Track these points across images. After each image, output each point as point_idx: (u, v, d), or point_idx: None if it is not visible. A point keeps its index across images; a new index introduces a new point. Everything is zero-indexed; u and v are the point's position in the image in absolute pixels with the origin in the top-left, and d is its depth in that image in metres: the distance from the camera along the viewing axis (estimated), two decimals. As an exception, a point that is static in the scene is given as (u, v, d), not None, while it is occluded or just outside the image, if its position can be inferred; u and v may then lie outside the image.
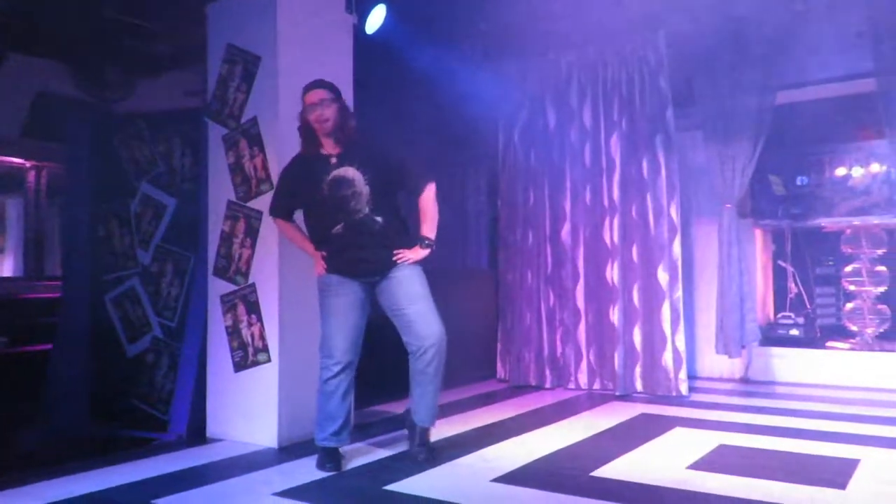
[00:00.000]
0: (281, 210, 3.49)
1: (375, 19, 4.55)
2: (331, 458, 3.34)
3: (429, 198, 3.42)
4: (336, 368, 3.33)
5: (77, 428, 4.46)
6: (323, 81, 3.34)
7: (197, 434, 4.03)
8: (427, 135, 6.09)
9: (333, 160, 3.28)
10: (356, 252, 3.28)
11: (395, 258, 3.32)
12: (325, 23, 4.14)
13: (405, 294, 3.31)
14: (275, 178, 3.80)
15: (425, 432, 3.49)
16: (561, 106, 5.58)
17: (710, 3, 4.86)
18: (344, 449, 3.51)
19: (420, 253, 3.36)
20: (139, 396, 4.44)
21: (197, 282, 4.28)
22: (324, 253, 3.35)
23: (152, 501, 2.92)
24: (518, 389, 5.48)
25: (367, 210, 3.25)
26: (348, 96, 4.24)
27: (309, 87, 3.31)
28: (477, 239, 7.04)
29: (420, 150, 6.06)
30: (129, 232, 4.60)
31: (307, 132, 3.32)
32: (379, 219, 3.27)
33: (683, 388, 5.08)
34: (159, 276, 4.48)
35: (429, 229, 3.40)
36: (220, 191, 4.05)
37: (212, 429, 4.02)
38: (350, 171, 3.24)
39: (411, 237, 3.42)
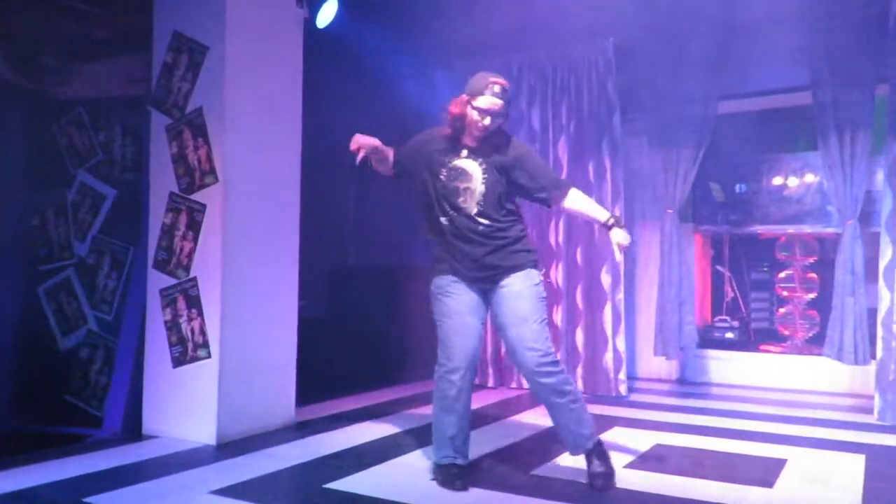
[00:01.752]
0: (400, 152, 3.21)
1: (327, 14, 4.51)
2: (453, 475, 3.04)
3: (576, 198, 3.18)
4: (455, 376, 3.04)
5: (-2, 423, 4.30)
6: (505, 90, 3.06)
7: (132, 431, 3.93)
8: (377, 130, 6.05)
9: (465, 151, 3.09)
10: (463, 249, 3.06)
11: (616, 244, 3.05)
12: (276, 15, 4.09)
13: (514, 312, 3.02)
14: (220, 171, 3.75)
15: (588, 457, 3.10)
16: (510, 107, 5.61)
17: (658, 13, 4.97)
18: (298, 448, 3.45)
19: (619, 234, 3.05)
20: (72, 392, 4.30)
21: (135, 275, 4.17)
22: (435, 253, 3.17)
23: (84, 500, 2.84)
24: (461, 388, 5.50)
25: (473, 210, 3.04)
26: (297, 90, 4.21)
27: (494, 91, 3.01)
28: (424, 237, 7.05)
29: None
30: (65, 222, 4.46)
31: (459, 121, 3.07)
32: (487, 221, 3.04)
33: (623, 389, 5.19)
34: (96, 268, 4.35)
35: (601, 211, 3.15)
36: (162, 182, 3.95)
37: (148, 425, 3.92)
38: (472, 166, 3.06)
39: (526, 244, 3.14)
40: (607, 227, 3.11)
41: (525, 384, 5.48)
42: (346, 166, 6.31)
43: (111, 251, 4.33)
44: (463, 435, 3.12)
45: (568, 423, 3.06)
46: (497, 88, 3.01)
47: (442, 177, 3.09)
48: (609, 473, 3.05)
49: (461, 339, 3.05)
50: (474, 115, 3.01)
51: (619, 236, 3.06)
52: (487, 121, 3.01)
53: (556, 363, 3.03)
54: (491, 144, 3.09)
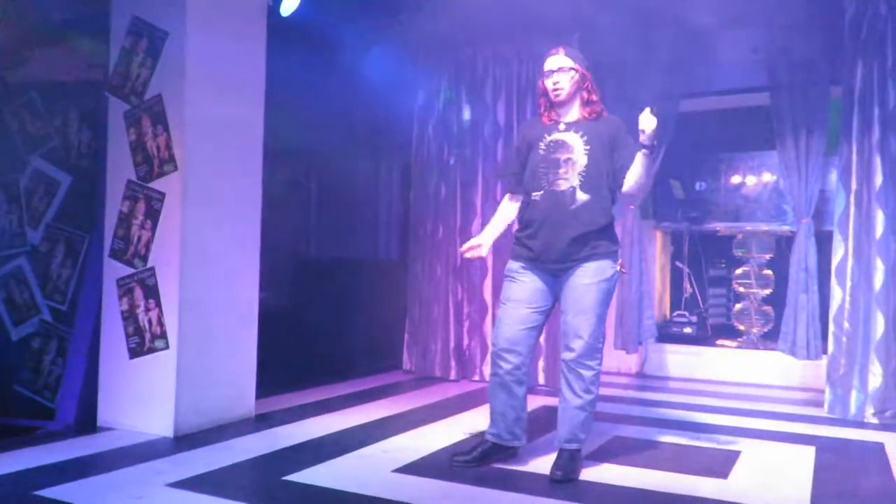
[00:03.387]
0: (507, 170, 3.26)
1: (291, 2, 4.45)
2: (479, 448, 3.20)
3: (630, 179, 3.07)
4: (502, 360, 3.11)
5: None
6: (566, 48, 3.14)
7: (87, 423, 3.85)
8: (341, 123, 6.02)
9: (563, 126, 3.10)
10: (545, 233, 3.05)
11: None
12: (238, 2, 4.02)
13: (575, 301, 3.06)
14: (180, 159, 3.69)
15: (560, 454, 3.14)
16: (476, 101, 5.63)
17: (621, 11, 5.01)
18: (257, 441, 3.43)
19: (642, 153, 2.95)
20: (23, 382, 4.19)
21: (91, 264, 4.08)
22: (518, 235, 3.18)
23: (35, 493, 2.77)
24: (423, 381, 5.51)
25: (575, 182, 3.01)
26: (259, 79, 4.15)
27: (549, 52, 3.13)
28: (387, 230, 7.03)
29: (333, 137, 6.00)
30: (17, 208, 4.34)
31: (544, 98, 3.15)
32: (585, 196, 3.00)
33: (583, 382, 5.24)
34: (49, 256, 4.25)
35: (640, 156, 3.00)
36: (120, 169, 3.87)
37: (103, 417, 3.85)
38: (572, 137, 3.05)
39: (611, 233, 3.14)
40: (646, 147, 2.98)
41: (487, 376, 5.51)
42: (308, 157, 6.28)
43: (66, 239, 4.23)
44: (511, 416, 3.19)
45: (573, 418, 3.12)
46: (557, 49, 3.13)
47: (541, 150, 3.09)
48: (574, 479, 3.08)
49: (510, 327, 3.12)
50: (546, 81, 3.10)
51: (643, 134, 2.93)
52: (554, 80, 3.06)
53: (598, 360, 3.10)
54: (591, 120, 3.11)
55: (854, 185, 4.49)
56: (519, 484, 3.03)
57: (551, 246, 3.06)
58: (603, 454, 3.53)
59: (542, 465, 3.28)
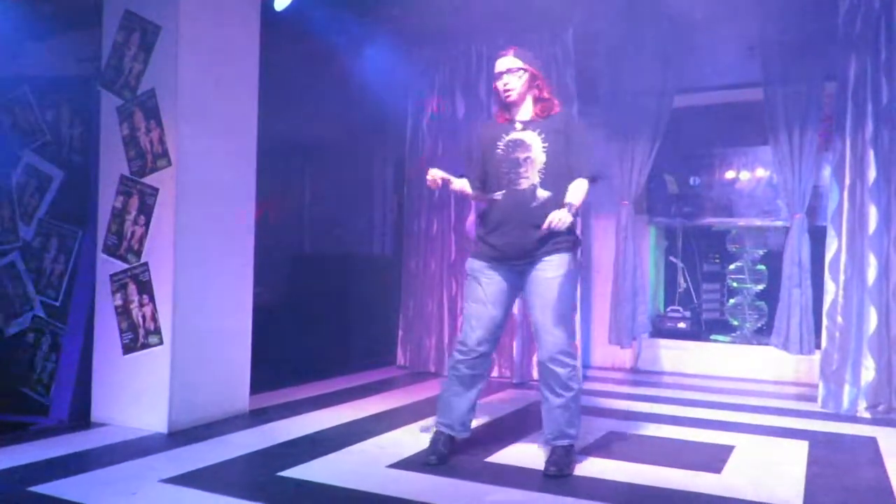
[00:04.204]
0: (470, 173, 3.27)
1: (285, -4, 4.43)
2: (441, 443, 3.23)
3: (581, 184, 3.08)
4: (466, 357, 3.17)
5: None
6: (516, 49, 3.20)
7: (80, 419, 3.84)
8: (335, 117, 6.00)
9: (519, 126, 3.16)
10: (507, 231, 3.09)
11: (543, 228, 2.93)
12: (232, -4, 4.01)
13: (541, 297, 3.08)
14: (173, 154, 3.67)
15: (554, 450, 3.15)
16: (470, 96, 5.62)
17: (616, 6, 5.01)
18: (252, 436, 3.42)
19: (564, 214, 2.90)
20: (16, 378, 4.18)
21: (84, 259, 4.06)
22: (479, 235, 3.21)
23: (29, 489, 2.77)
24: (417, 376, 5.51)
25: (536, 180, 3.06)
26: (253, 74, 4.14)
27: (499, 54, 3.21)
28: (382, 225, 7.03)
29: (327, 132, 5.99)
30: (9, 204, 4.31)
31: (497, 99, 3.24)
32: (546, 194, 3.05)
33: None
34: (42, 251, 4.23)
35: (574, 198, 3.01)
36: (113, 164, 3.85)
37: (97, 413, 3.84)
38: (530, 136, 3.11)
39: (564, 236, 3.10)
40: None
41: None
42: (302, 152, 6.26)
43: (58, 235, 4.21)
44: (460, 411, 3.24)
45: (558, 417, 3.13)
46: (505, 53, 3.20)
47: (499, 151, 3.13)
48: (567, 474, 3.08)
49: (479, 327, 3.16)
50: (497, 83, 3.17)
51: (558, 214, 2.91)
52: (505, 81, 3.13)
53: (571, 355, 3.12)
54: (546, 117, 3.16)
55: (847, 181, 4.51)
56: (514, 479, 3.04)
57: (514, 244, 3.10)
58: (597, 449, 3.54)
59: (537, 460, 3.28)
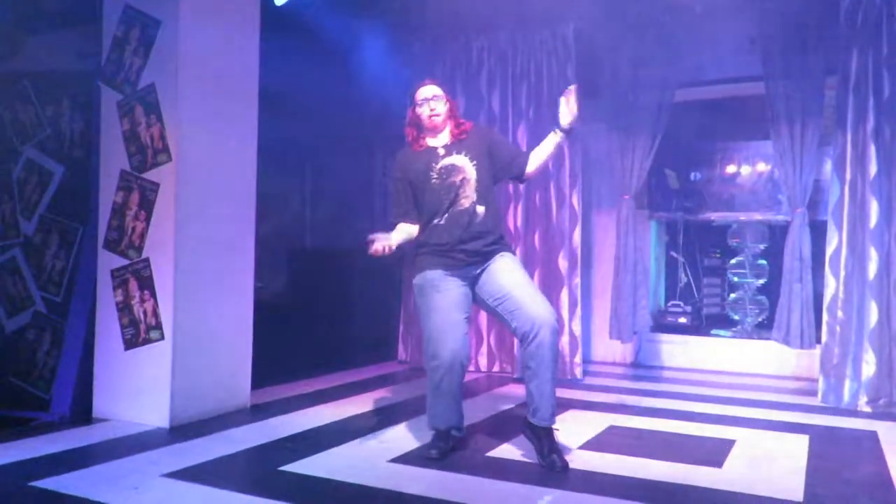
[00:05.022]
0: (402, 213, 3.32)
1: (285, -9, 4.42)
2: (442, 440, 3.25)
3: (533, 154, 3.34)
4: (443, 369, 3.12)
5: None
6: (432, 80, 3.39)
7: (82, 414, 3.85)
8: (336, 112, 5.99)
9: (442, 151, 3.27)
10: (457, 246, 3.17)
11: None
12: (232, -10, 4.00)
13: (508, 280, 3.15)
14: (174, 149, 3.67)
15: (550, 434, 3.14)
16: (471, 91, 5.61)
17: (616, 1, 5.00)
18: (253, 431, 3.43)
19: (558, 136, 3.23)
20: (18, 374, 4.19)
21: (85, 255, 4.07)
22: (428, 257, 3.22)
23: (29, 484, 2.77)
24: (418, 371, 5.51)
25: (474, 197, 3.19)
26: (253, 68, 4.13)
27: (420, 85, 3.35)
28: (383, 220, 7.01)
29: (328, 127, 5.97)
30: (10, 199, 4.31)
31: (414, 126, 3.34)
32: (481, 209, 3.20)
33: (578, 372, 5.26)
34: (43, 247, 4.23)
35: (550, 139, 3.29)
36: (113, 160, 3.85)
37: (98, 408, 3.85)
38: (459, 159, 3.23)
39: (506, 239, 3.39)
40: (563, 131, 3.26)
41: (482, 366, 5.53)
42: (303, 147, 6.25)
43: (59, 230, 4.21)
44: (454, 416, 3.27)
45: (545, 390, 3.08)
46: (426, 83, 3.34)
47: (434, 181, 3.22)
48: (565, 465, 3.08)
49: (447, 336, 3.12)
50: (421, 109, 3.27)
51: (566, 118, 3.19)
52: (431, 106, 3.25)
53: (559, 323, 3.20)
54: (462, 137, 3.29)
55: (848, 175, 4.50)
56: (514, 473, 3.04)
57: (466, 253, 3.19)
58: (598, 443, 3.54)
59: (536, 455, 3.28)
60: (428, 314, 3.18)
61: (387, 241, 3.12)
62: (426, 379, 3.29)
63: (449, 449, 3.27)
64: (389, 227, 3.30)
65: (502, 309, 3.15)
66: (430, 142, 3.32)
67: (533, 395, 3.10)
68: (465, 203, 3.19)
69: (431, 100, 3.27)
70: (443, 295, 3.16)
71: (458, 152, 3.24)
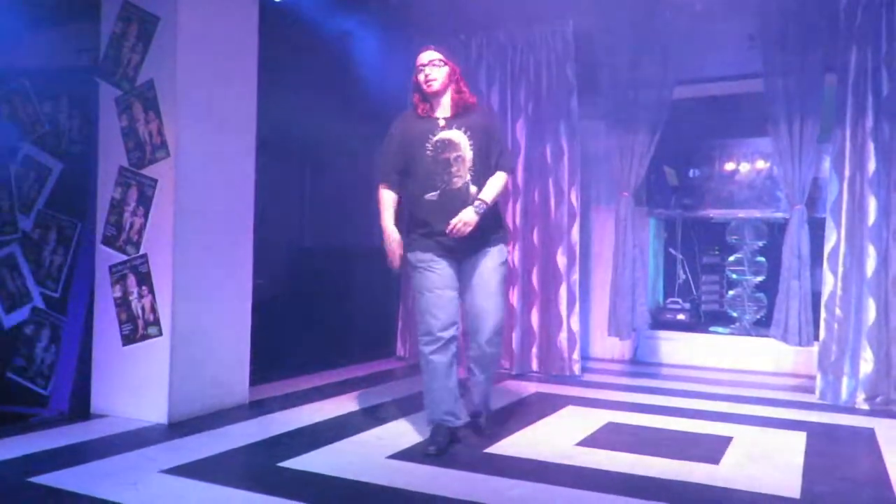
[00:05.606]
0: (389, 170, 3.35)
1: (283, -13, 4.42)
2: (440, 434, 3.28)
3: (500, 178, 3.32)
4: (436, 345, 3.24)
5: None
6: (436, 46, 3.36)
7: (80, 410, 3.85)
8: (335, 108, 5.98)
9: (442, 122, 3.27)
10: (446, 226, 3.19)
11: (449, 228, 3.17)
12: (230, -14, 3.99)
13: (483, 286, 3.32)
14: (172, 145, 3.66)
15: (486, 417, 3.61)
16: (470, 87, 5.58)
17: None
18: (251, 427, 3.45)
19: (470, 215, 3.17)
20: (16, 370, 4.18)
21: (83, 251, 4.06)
22: (417, 229, 3.30)
23: (28, 480, 2.78)
24: (417, 367, 5.47)
25: (467, 177, 3.21)
26: (252, 65, 4.13)
27: (421, 50, 3.35)
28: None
29: (327, 123, 5.97)
30: (8, 195, 4.31)
31: (418, 92, 3.32)
32: (474, 189, 3.22)
33: (577, 369, 5.27)
34: (41, 243, 4.22)
35: (487, 195, 3.24)
36: (112, 156, 3.85)
37: (97, 404, 3.85)
38: (457, 135, 3.23)
39: (502, 220, 3.48)
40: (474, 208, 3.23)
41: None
42: (301, 143, 6.24)
43: (57, 226, 4.21)
44: (452, 398, 3.34)
45: (487, 389, 3.56)
46: (426, 48, 3.34)
47: (428, 153, 3.23)
48: (488, 429, 3.57)
49: (441, 313, 3.24)
50: (419, 75, 3.28)
51: (465, 214, 3.18)
52: (430, 73, 3.25)
53: (501, 336, 3.50)
54: (465, 113, 3.29)
55: (847, 172, 4.50)
56: (513, 470, 3.05)
57: (458, 240, 3.23)
58: (596, 440, 3.55)
59: (537, 451, 3.30)
60: (422, 291, 3.29)
61: (398, 250, 3.33)
62: (423, 377, 3.35)
63: (447, 444, 3.28)
64: (374, 190, 3.40)
65: (465, 306, 3.40)
66: (435, 111, 3.31)
67: (468, 388, 3.55)
68: (458, 182, 3.22)
69: (427, 65, 3.27)
70: (436, 274, 3.27)
71: (459, 128, 3.25)
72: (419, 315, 3.31)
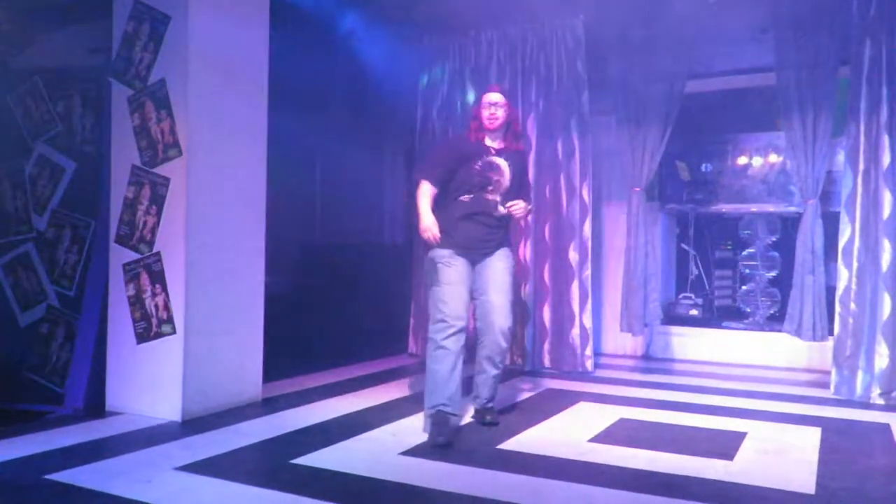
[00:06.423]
0: (435, 171, 3.61)
1: (294, -15, 4.42)
2: (444, 423, 3.38)
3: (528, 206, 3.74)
4: (449, 331, 3.45)
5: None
6: (500, 88, 3.86)
7: (95, 408, 3.87)
8: (345, 106, 6.00)
9: (493, 150, 3.65)
10: (472, 227, 3.55)
11: (508, 207, 3.56)
12: (240, -16, 4.00)
13: (495, 283, 3.60)
14: (184, 144, 3.68)
15: (490, 410, 3.73)
16: (480, 83, 5.58)
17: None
18: (264, 424, 3.47)
19: (523, 207, 3.62)
20: (32, 368, 4.22)
21: (97, 249, 4.09)
22: (440, 227, 3.51)
23: (45, 477, 2.80)
24: (429, 364, 5.52)
25: (498, 198, 3.59)
26: (263, 62, 4.13)
27: (490, 89, 3.79)
28: (392, 214, 7.02)
29: (338, 121, 5.98)
30: (22, 195, 4.34)
31: (477, 121, 3.69)
32: (502, 210, 3.59)
33: (589, 365, 5.26)
34: (56, 242, 4.26)
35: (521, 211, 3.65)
36: (124, 155, 3.87)
37: (111, 402, 3.87)
38: (503, 163, 3.62)
39: (508, 236, 3.78)
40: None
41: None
42: (312, 141, 6.26)
43: (71, 225, 4.24)
44: (454, 385, 3.45)
45: (495, 384, 3.71)
46: (494, 90, 3.74)
47: (477, 166, 3.58)
48: (496, 422, 3.70)
49: (456, 304, 3.49)
50: (484, 111, 3.65)
51: (521, 203, 3.61)
52: (496, 112, 3.62)
53: (513, 331, 3.74)
54: (511, 151, 3.69)
55: (861, 166, 4.46)
56: (525, 466, 3.04)
57: (478, 239, 3.58)
58: (609, 436, 3.54)
59: (549, 447, 3.29)
60: (439, 285, 3.53)
61: (434, 227, 3.49)
62: (429, 363, 3.51)
63: (454, 433, 3.38)
64: (414, 185, 3.63)
65: (477, 304, 3.66)
66: (487, 140, 3.67)
67: (477, 383, 3.71)
68: (490, 198, 3.58)
69: (494, 105, 3.64)
70: (452, 269, 3.53)
71: (506, 160, 3.63)
72: (433, 305, 3.54)
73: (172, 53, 3.72)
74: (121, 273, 3.85)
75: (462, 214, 3.56)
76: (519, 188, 3.70)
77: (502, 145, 3.69)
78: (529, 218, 3.90)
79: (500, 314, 3.57)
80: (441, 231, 3.52)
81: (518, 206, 3.58)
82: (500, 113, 3.66)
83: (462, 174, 3.58)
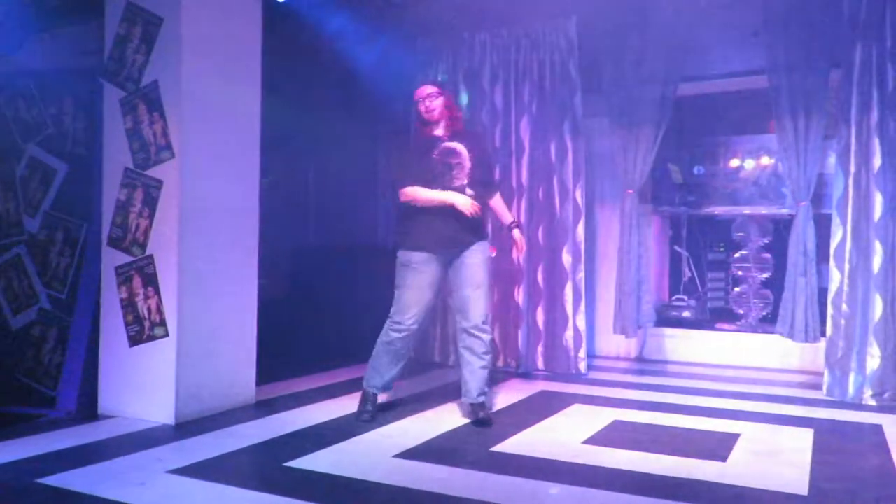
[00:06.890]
0: (408, 174, 3.70)
1: (287, -13, 4.42)
2: (370, 403, 3.84)
3: (500, 199, 4.04)
4: (401, 334, 3.72)
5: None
6: (433, 81, 4.17)
7: (88, 411, 3.86)
8: (339, 108, 5.99)
9: (444, 138, 3.76)
10: (443, 226, 3.63)
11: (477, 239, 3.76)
12: (234, -13, 3.99)
13: (471, 277, 3.73)
14: (177, 146, 3.67)
15: (479, 406, 3.79)
16: (474, 86, 5.60)
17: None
18: (258, 427, 3.49)
19: (520, 235, 3.96)
20: (24, 371, 4.20)
21: (89, 252, 4.07)
22: (413, 230, 3.66)
23: (36, 481, 2.79)
24: (422, 367, 5.52)
25: (465, 181, 3.68)
26: (256, 65, 4.13)
27: (419, 85, 3.90)
28: (386, 216, 7.01)
29: (331, 123, 5.98)
30: (14, 197, 4.32)
31: (419, 120, 3.84)
32: (471, 192, 3.67)
33: (582, 367, 5.26)
34: (48, 244, 4.23)
35: (506, 215, 4.03)
36: (116, 157, 3.86)
37: (104, 405, 3.86)
38: (458, 146, 3.73)
39: (482, 228, 3.86)
40: (510, 228, 3.97)
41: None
42: (305, 143, 6.25)
43: (63, 227, 4.22)
44: (389, 375, 3.86)
45: (481, 378, 3.77)
46: (423, 86, 3.85)
47: (435, 155, 3.69)
48: (489, 420, 3.75)
49: (416, 310, 3.69)
50: (420, 106, 3.78)
51: (518, 235, 3.95)
52: (430, 105, 3.74)
53: (489, 325, 3.83)
54: (461, 134, 3.80)
55: (853, 168, 4.48)
56: (519, 468, 3.05)
57: (446, 234, 3.66)
58: (602, 438, 3.55)
59: (543, 449, 3.29)
60: (403, 287, 3.71)
61: (466, 199, 3.60)
62: (379, 347, 3.84)
63: (376, 412, 3.84)
64: (401, 197, 3.71)
65: (454, 299, 3.83)
66: (435, 132, 3.78)
67: (465, 378, 3.79)
68: (457, 183, 3.67)
69: (428, 97, 3.76)
70: (421, 276, 3.68)
71: (461, 142, 3.74)
72: (396, 304, 3.74)
73: (165, 55, 3.72)
74: (113, 276, 3.84)
75: (434, 211, 3.62)
76: (482, 169, 3.79)
77: (451, 131, 3.79)
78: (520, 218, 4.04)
79: (476, 306, 3.71)
80: (414, 233, 3.66)
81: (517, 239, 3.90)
82: (437, 103, 3.76)
83: (423, 165, 3.68)
